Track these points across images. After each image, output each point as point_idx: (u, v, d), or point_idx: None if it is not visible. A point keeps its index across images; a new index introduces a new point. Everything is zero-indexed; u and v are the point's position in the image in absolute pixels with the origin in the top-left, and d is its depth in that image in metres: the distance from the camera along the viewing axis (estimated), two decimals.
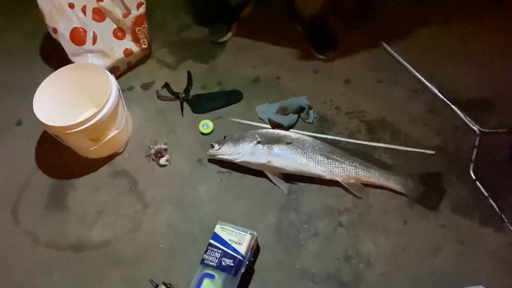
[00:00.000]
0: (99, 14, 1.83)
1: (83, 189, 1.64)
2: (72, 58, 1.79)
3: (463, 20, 1.99)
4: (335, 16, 2.02)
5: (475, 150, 1.58)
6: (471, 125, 1.65)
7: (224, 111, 1.80)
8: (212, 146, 1.62)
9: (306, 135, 1.65)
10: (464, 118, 1.67)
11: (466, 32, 1.94)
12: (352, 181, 1.52)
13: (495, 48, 1.87)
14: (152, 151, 1.66)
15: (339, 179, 1.52)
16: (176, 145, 1.71)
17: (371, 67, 1.88)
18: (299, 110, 1.72)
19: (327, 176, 1.52)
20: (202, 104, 1.83)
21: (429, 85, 1.77)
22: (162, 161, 1.66)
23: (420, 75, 1.80)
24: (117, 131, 1.61)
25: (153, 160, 1.67)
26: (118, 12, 1.84)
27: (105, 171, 1.68)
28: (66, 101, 1.69)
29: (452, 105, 1.71)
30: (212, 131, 1.74)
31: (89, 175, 1.67)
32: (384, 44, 1.92)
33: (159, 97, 1.87)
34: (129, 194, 1.61)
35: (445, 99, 1.72)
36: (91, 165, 1.69)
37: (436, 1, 2.08)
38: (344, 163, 1.52)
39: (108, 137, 1.59)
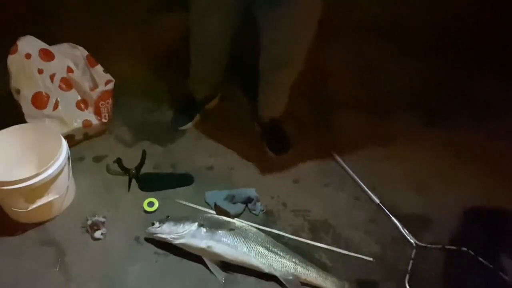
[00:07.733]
0: (67, 84, 1.88)
1: (3, 253, 1.51)
2: (28, 120, 1.78)
3: (406, 141, 2.16)
4: (293, 123, 2.16)
5: (411, 262, 1.62)
6: (408, 238, 1.71)
7: (173, 193, 1.79)
8: (153, 224, 1.57)
9: (251, 225, 1.64)
10: (403, 231, 1.73)
11: (408, 152, 2.10)
12: (290, 277, 1.48)
13: (435, 171, 2.01)
14: (89, 222, 1.59)
15: (277, 274, 1.48)
16: (116, 220, 1.65)
17: (320, 171, 1.96)
18: (247, 201, 1.74)
19: (266, 269, 1.49)
20: (151, 182, 1.81)
21: (372, 195, 1.86)
22: (97, 234, 1.57)
23: (365, 185, 1.90)
24: (57, 196, 1.55)
25: (87, 232, 1.59)
26: (86, 85, 1.90)
27: (32, 236, 1.57)
28: (15, 160, 1.65)
29: (392, 217, 1.78)
30: (156, 210, 1.70)
31: (13, 237, 1.56)
32: (334, 154, 2.04)
33: (109, 170, 1.84)
34: (53, 266, 1.49)
35: (386, 210, 1.80)
36: (19, 226, 1.58)
37: (385, 118, 2.28)
38: (284, 258, 1.50)
39: (45, 201, 1.53)
